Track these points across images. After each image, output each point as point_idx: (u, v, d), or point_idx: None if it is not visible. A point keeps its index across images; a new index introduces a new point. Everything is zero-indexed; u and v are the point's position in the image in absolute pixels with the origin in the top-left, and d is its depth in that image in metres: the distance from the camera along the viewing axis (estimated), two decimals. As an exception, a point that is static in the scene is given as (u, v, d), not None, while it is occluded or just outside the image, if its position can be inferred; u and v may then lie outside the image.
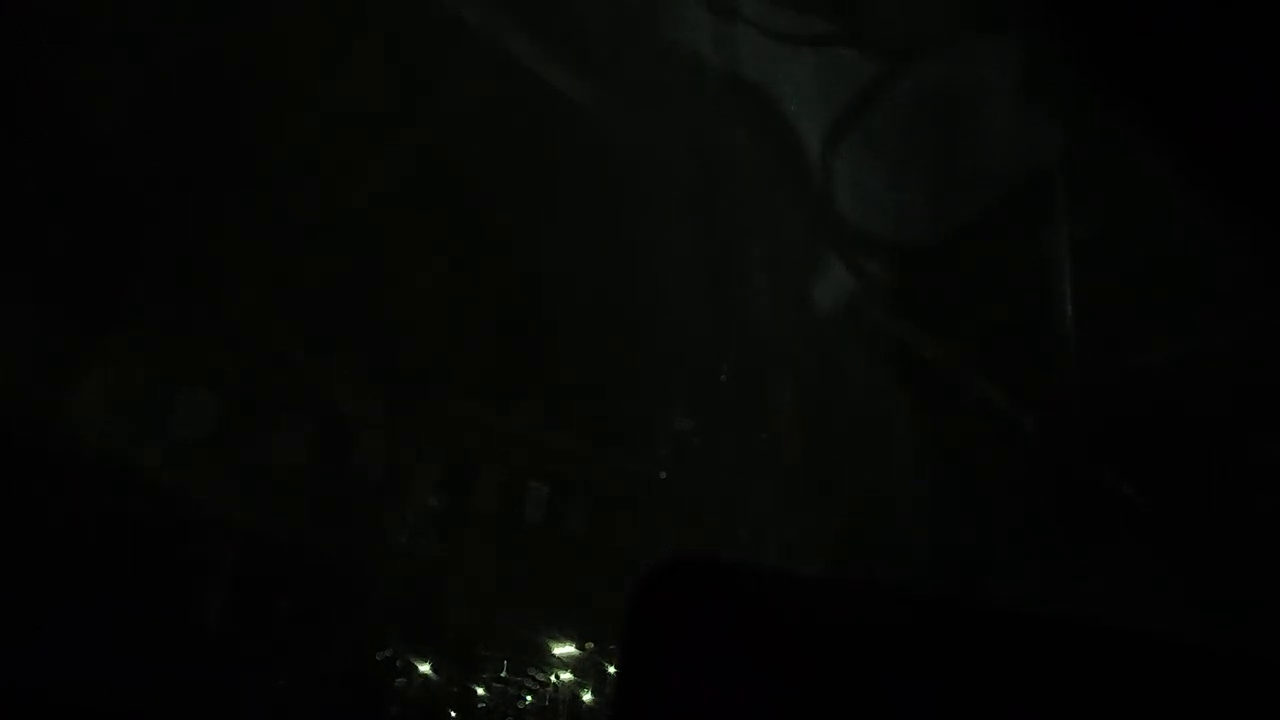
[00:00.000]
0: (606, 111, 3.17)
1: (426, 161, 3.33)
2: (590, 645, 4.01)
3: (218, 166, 3.14)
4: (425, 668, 3.83)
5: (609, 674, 3.96)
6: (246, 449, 3.55)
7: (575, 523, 4.11)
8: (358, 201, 3.38)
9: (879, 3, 2.88)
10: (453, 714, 3.89)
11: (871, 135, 3.02)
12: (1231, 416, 3.01)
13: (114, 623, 2.97)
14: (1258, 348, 2.87)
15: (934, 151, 3.05)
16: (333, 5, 3.01)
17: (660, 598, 1.11)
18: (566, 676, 4.04)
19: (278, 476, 3.60)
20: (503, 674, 3.99)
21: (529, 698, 4.03)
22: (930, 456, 3.49)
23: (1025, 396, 3.32)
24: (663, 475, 3.91)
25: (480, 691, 3.93)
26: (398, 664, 3.79)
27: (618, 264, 3.47)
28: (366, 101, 3.19)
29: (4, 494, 2.91)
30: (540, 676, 4.04)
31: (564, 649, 4.03)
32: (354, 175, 3.34)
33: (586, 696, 4.02)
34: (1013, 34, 2.75)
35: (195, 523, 3.37)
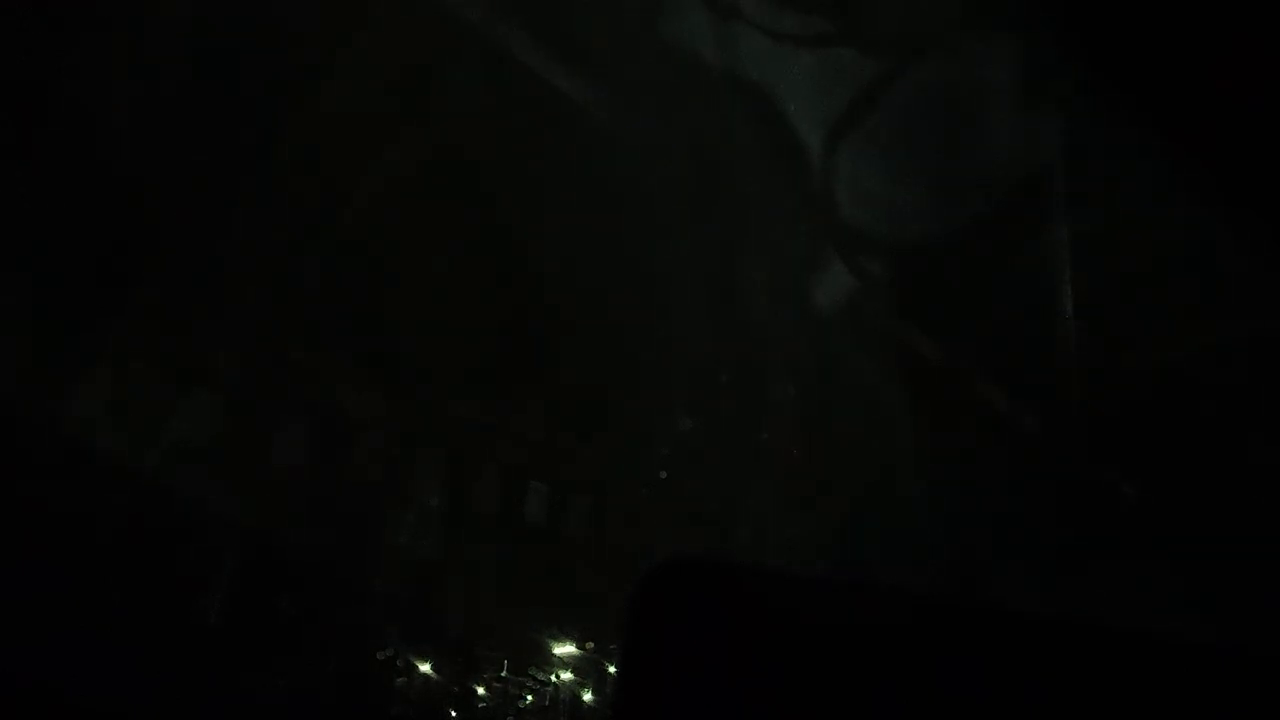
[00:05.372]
0: (607, 111, 3.17)
1: (427, 161, 3.33)
2: (590, 645, 4.01)
3: (218, 166, 3.14)
4: (425, 668, 3.83)
5: (609, 674, 3.96)
6: (246, 449, 3.55)
7: (575, 523, 4.11)
8: (358, 201, 3.38)
9: (879, 3, 2.88)
10: (453, 714, 3.89)
11: (872, 135, 3.02)
12: (1231, 416, 3.01)
13: (114, 622, 2.97)
14: (1258, 348, 2.88)
15: (934, 151, 3.05)
16: (333, 5, 3.01)
17: (660, 598, 1.11)
18: (567, 676, 4.04)
19: (278, 476, 3.60)
20: (503, 674, 3.99)
21: (529, 697, 4.03)
22: (930, 456, 3.49)
23: (1025, 396, 3.33)
24: (663, 475, 3.91)
25: (480, 691, 3.93)
26: (398, 664, 3.78)
27: (618, 263, 3.47)
28: (367, 101, 3.19)
29: (4, 494, 2.91)
30: (540, 676, 4.04)
31: (564, 649, 4.03)
32: (354, 175, 3.34)
33: (587, 696, 4.02)
34: (1013, 34, 2.75)
35: (195, 523, 3.37)
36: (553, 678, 4.04)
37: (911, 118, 2.96)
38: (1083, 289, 2.94)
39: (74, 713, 2.63)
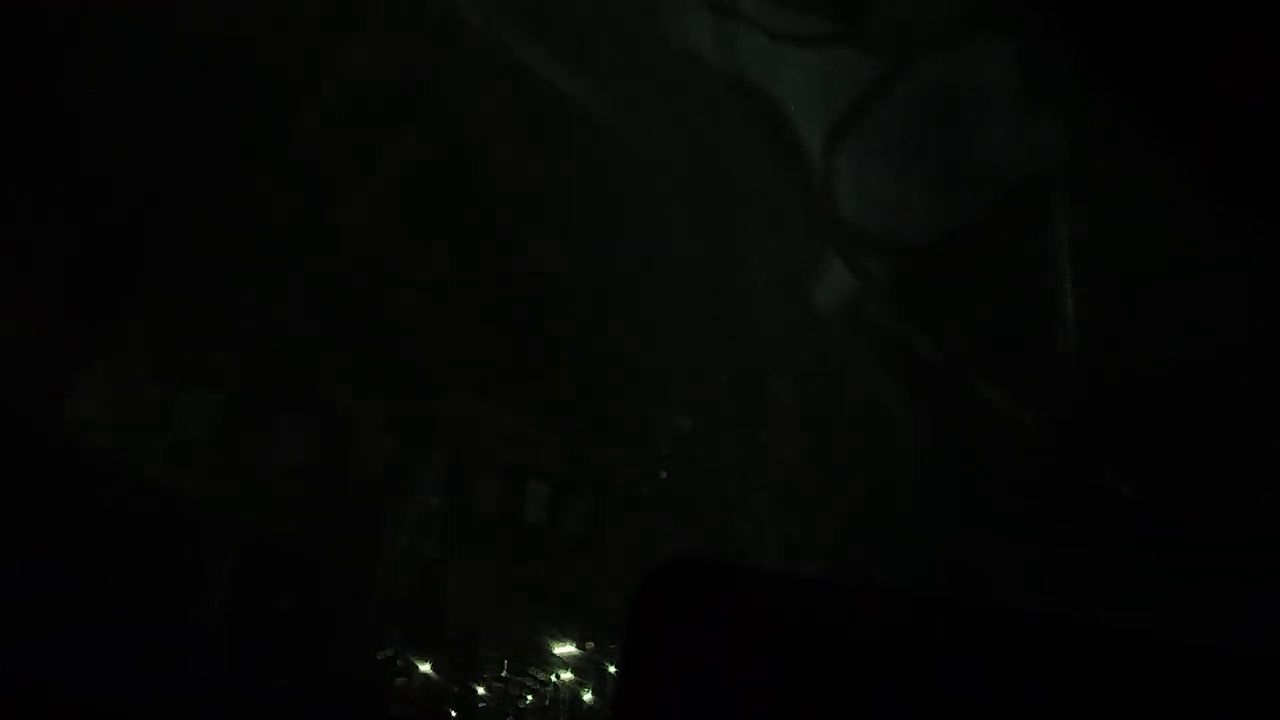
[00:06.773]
0: (607, 111, 3.17)
1: (427, 161, 3.33)
2: (590, 645, 4.01)
3: (218, 167, 3.14)
4: (425, 668, 3.84)
5: (609, 674, 3.96)
6: (246, 449, 3.55)
7: (575, 523, 4.11)
8: (358, 201, 3.38)
9: (879, 3, 2.88)
10: (453, 714, 3.89)
11: (872, 135, 3.02)
12: (1231, 416, 3.01)
13: (114, 622, 2.97)
14: (1258, 348, 2.88)
15: (935, 151, 3.05)
16: (333, 5, 3.01)
17: (660, 598, 1.11)
18: (567, 676, 4.04)
19: (278, 476, 3.60)
20: (503, 674, 3.99)
21: (529, 697, 4.03)
22: (930, 457, 3.49)
23: (1025, 396, 3.33)
24: (663, 475, 3.91)
25: (480, 691, 3.93)
26: (398, 664, 3.79)
27: (618, 264, 3.47)
28: (366, 101, 3.19)
29: (4, 494, 2.91)
30: (541, 676, 4.04)
31: (564, 649, 4.03)
32: (354, 175, 3.34)
33: (587, 696, 4.02)
34: (1013, 34, 2.75)
35: (195, 523, 3.37)
36: (553, 678, 4.05)
37: (912, 118, 2.96)
38: (1083, 289, 2.94)
39: (74, 713, 2.63)
